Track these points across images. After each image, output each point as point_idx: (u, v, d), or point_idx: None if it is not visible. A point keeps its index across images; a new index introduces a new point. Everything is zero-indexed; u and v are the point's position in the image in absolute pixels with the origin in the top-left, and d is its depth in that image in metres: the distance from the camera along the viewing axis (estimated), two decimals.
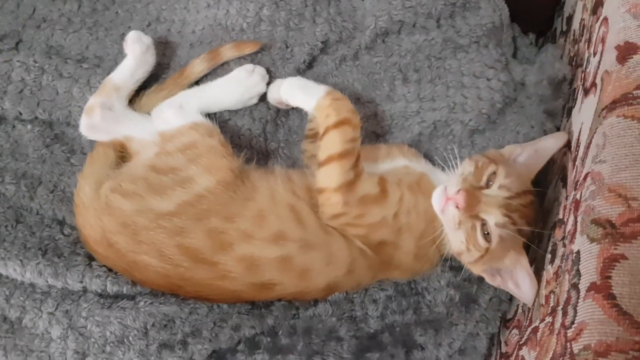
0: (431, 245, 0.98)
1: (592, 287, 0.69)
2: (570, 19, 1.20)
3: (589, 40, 1.01)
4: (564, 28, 1.23)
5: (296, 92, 1.05)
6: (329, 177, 0.97)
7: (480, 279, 1.02)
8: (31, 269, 1.00)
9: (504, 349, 1.00)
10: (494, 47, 1.18)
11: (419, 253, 0.99)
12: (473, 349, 1.02)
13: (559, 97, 1.12)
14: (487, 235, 0.91)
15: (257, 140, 1.11)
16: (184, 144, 1.00)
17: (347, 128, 0.98)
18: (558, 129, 1.10)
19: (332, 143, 0.97)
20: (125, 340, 0.96)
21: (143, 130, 1.05)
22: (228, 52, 1.12)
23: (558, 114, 1.11)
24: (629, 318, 0.64)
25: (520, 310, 1.00)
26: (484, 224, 0.91)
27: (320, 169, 0.98)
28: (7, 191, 1.07)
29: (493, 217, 0.90)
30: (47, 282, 1.00)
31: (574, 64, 1.11)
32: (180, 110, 1.04)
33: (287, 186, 0.99)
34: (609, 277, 0.67)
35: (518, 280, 0.93)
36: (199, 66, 1.11)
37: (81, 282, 1.00)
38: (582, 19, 1.10)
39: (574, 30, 1.15)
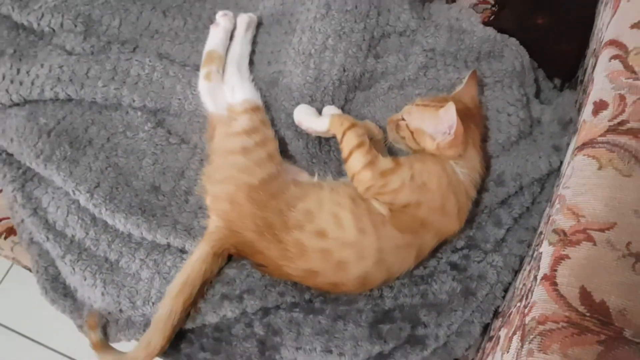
0: (453, 198, 1.11)
1: (544, 277, 0.82)
2: (585, 70, 1.32)
3: (587, 93, 1.12)
4: (582, 78, 1.34)
5: (307, 118, 1.26)
6: (355, 162, 1.13)
7: (481, 277, 1.12)
8: (132, 222, 1.14)
9: (491, 333, 1.11)
10: (517, 88, 1.27)
11: (443, 207, 1.11)
12: (468, 333, 1.12)
13: (565, 135, 1.21)
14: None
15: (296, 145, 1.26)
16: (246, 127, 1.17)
17: (355, 128, 1.17)
18: (561, 162, 1.19)
19: (350, 140, 1.15)
20: None
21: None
22: None
23: (563, 149, 1.20)
24: (563, 299, 0.78)
25: (506, 303, 1.10)
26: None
27: (348, 161, 1.14)
28: (119, 161, 1.22)
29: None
30: (141, 234, 1.14)
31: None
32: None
33: (334, 198, 1.11)
34: (556, 270, 0.80)
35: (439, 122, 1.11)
36: None
37: (167, 239, 1.14)
38: (589, 74, 1.21)
39: (584, 81, 1.27)
